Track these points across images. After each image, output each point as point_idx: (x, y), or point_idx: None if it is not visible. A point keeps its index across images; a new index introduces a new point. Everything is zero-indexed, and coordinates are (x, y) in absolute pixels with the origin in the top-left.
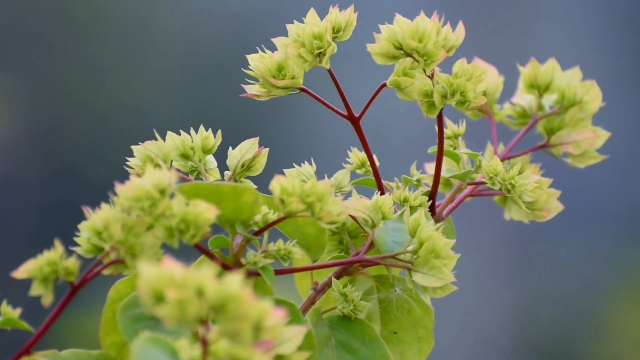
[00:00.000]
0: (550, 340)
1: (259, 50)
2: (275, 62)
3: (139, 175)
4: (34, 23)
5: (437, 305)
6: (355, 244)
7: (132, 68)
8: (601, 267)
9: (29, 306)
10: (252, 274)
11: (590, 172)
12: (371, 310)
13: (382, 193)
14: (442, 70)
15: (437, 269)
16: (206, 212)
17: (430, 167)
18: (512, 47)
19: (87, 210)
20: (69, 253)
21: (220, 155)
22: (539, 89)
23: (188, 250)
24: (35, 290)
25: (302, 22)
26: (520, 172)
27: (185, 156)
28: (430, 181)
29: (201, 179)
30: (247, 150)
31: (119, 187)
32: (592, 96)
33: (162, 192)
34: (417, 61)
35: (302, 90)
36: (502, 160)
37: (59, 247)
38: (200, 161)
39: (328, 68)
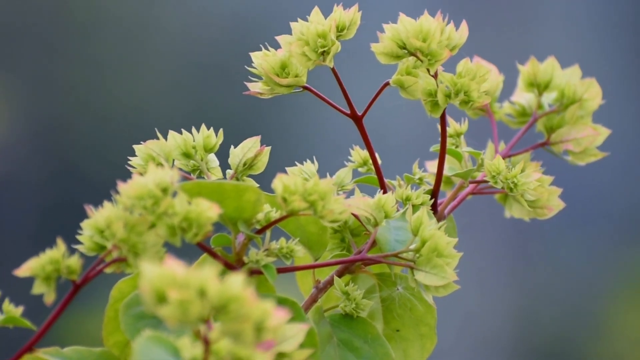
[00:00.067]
0: (550, 340)
1: (263, 48)
2: (279, 60)
3: (141, 174)
4: (34, 23)
5: (437, 305)
6: (357, 242)
7: (132, 68)
8: (601, 267)
9: (31, 305)
10: (255, 272)
11: (590, 172)
12: (373, 308)
13: (385, 191)
14: (444, 70)
15: (440, 268)
16: (208, 210)
17: (432, 165)
18: (512, 46)
19: (89, 209)
20: (71, 252)
21: (222, 155)
22: (539, 87)
23: (190, 249)
24: (38, 288)
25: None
26: (522, 171)
27: (187, 155)
28: (431, 179)
29: (203, 178)
30: (249, 148)
31: (121, 186)
32: (592, 94)
33: (165, 190)
34: (421, 60)
35: (305, 88)
36: (503, 158)
37: (61, 246)
38: (202, 160)
39: (332, 67)
